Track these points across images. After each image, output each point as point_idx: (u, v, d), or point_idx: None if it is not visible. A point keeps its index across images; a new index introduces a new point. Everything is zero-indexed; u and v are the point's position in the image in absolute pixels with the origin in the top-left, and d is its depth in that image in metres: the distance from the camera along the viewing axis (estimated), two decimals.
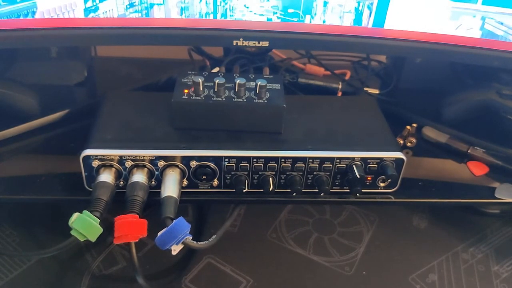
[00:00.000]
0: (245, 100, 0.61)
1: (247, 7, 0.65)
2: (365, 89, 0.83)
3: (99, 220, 0.53)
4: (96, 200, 0.54)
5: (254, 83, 0.61)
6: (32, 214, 0.74)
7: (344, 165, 0.60)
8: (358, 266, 0.70)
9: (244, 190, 0.60)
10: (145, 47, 0.84)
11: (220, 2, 0.64)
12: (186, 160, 0.58)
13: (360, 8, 0.65)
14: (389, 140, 0.63)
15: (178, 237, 0.53)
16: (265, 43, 0.66)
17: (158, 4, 0.64)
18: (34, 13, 0.61)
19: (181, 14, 0.65)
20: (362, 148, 0.60)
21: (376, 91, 0.83)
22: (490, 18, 0.64)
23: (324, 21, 0.66)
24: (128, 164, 0.58)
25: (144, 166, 0.58)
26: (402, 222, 0.77)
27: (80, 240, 0.52)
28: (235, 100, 0.61)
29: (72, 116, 0.73)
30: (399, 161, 0.60)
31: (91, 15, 0.63)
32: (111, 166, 0.58)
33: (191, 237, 0.54)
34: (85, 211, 0.53)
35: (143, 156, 0.58)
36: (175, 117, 0.62)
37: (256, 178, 0.60)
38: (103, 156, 0.57)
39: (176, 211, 0.55)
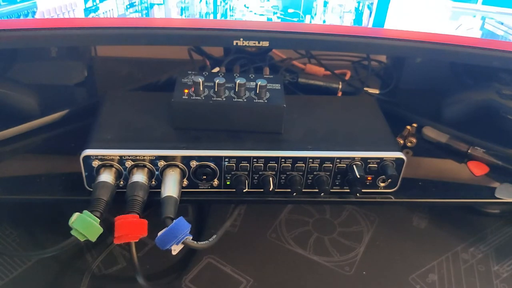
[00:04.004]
0: (245, 100, 0.61)
1: (247, 7, 0.65)
2: (365, 89, 0.83)
3: (99, 220, 0.53)
4: (96, 200, 0.54)
5: (254, 83, 0.61)
6: (32, 214, 0.74)
7: (344, 165, 0.60)
8: (358, 266, 0.70)
9: (244, 190, 0.60)
10: (145, 47, 0.84)
11: (220, 2, 0.64)
12: (186, 160, 0.58)
13: (360, 8, 0.65)
14: (389, 140, 0.63)
15: (178, 237, 0.53)
16: (265, 43, 0.66)
17: (158, 4, 0.64)
18: (34, 13, 0.61)
19: (181, 14, 0.65)
20: (362, 148, 0.60)
21: (376, 91, 0.83)
22: (490, 18, 0.64)
23: (324, 21, 0.66)
24: (128, 164, 0.58)
25: (144, 166, 0.58)
26: (402, 222, 0.77)
27: (80, 240, 0.52)
28: (235, 100, 0.61)
29: (72, 116, 0.73)
30: (399, 161, 0.60)
31: (91, 15, 0.63)
32: (111, 166, 0.58)
33: (191, 237, 0.54)
34: (85, 211, 0.53)
35: (143, 156, 0.58)
36: (175, 117, 0.62)
37: (256, 178, 0.60)
38: (103, 156, 0.57)
39: (176, 211, 0.55)
